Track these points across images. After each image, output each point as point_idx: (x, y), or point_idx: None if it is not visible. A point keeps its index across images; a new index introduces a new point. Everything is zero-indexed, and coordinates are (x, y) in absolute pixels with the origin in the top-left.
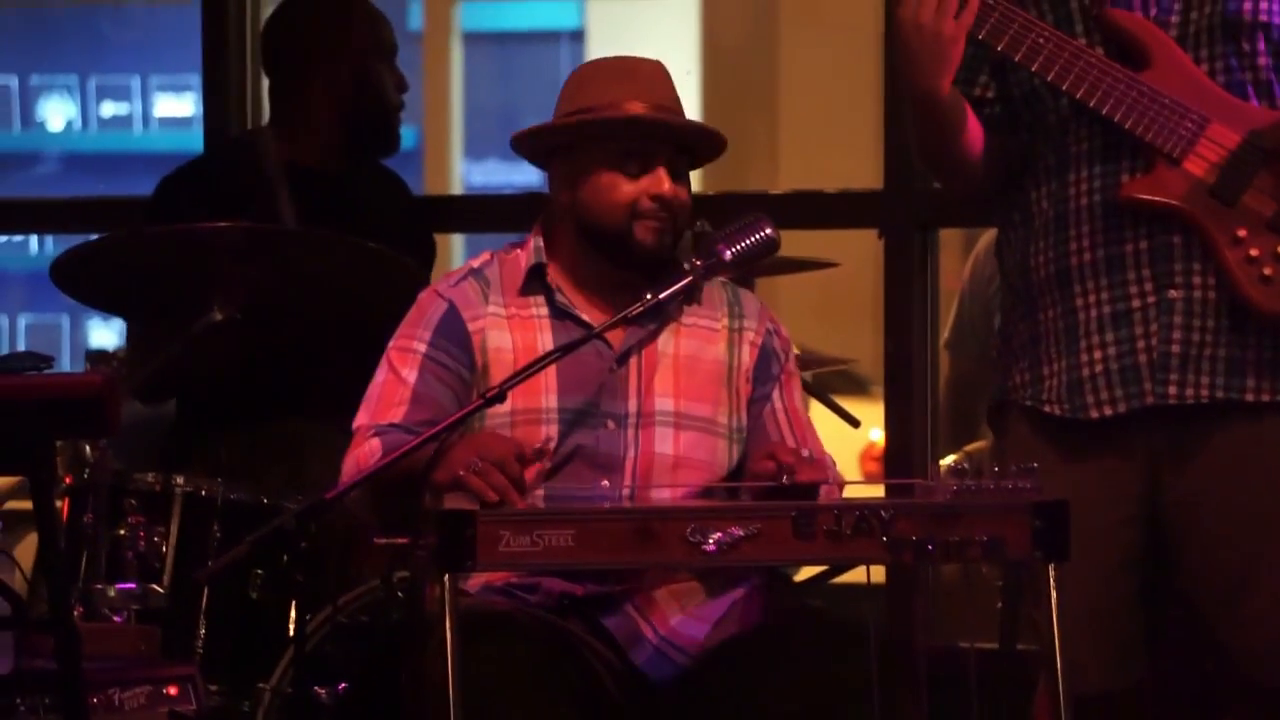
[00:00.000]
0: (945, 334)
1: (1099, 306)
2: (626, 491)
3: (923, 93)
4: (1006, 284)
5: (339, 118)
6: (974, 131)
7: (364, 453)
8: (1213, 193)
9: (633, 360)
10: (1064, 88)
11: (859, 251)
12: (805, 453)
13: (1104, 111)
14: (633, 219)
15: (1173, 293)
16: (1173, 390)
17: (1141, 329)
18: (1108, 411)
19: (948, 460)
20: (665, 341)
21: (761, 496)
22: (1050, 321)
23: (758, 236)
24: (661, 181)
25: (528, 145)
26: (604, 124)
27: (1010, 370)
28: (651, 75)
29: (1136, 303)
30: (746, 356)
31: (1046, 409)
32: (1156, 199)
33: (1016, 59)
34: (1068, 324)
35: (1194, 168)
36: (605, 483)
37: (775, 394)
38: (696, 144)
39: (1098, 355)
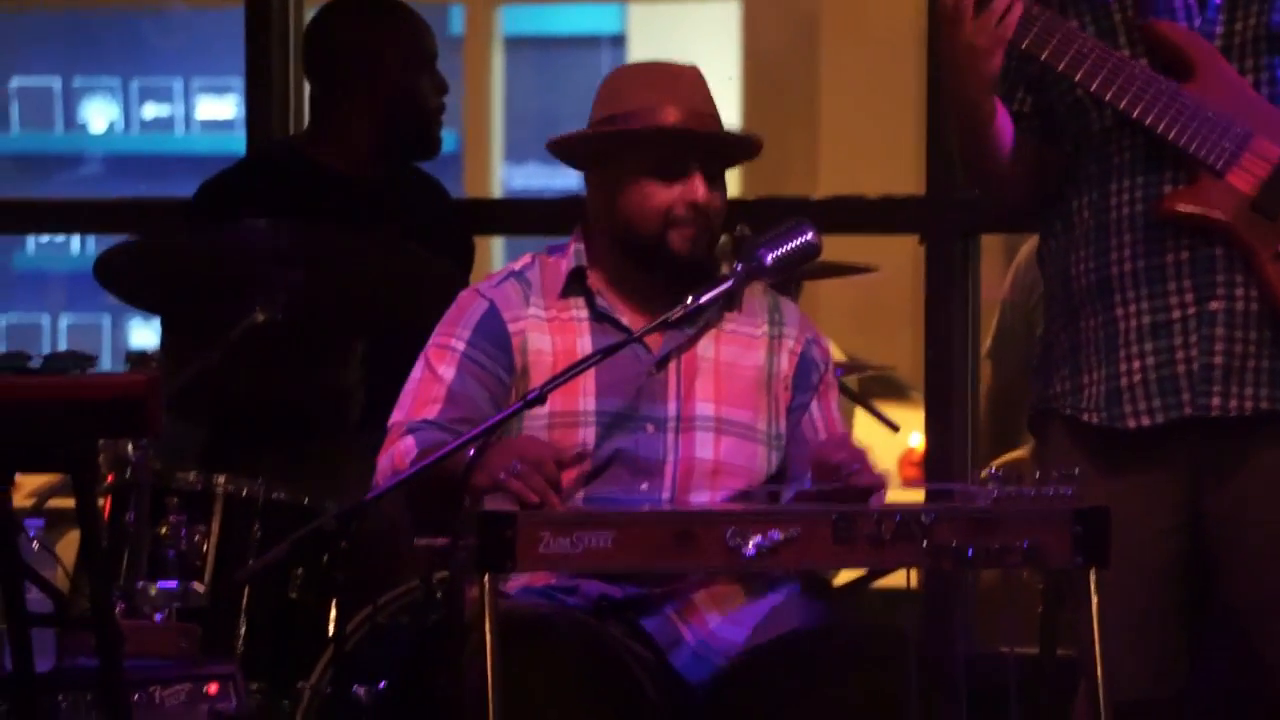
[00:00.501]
0: (986, 343)
1: (1139, 317)
2: (666, 496)
3: (962, 101)
4: (1048, 292)
5: (376, 125)
6: (1012, 140)
7: (398, 451)
8: (1255, 206)
9: (672, 364)
10: (1107, 98)
11: (898, 257)
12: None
13: (1147, 123)
14: (667, 226)
15: (1214, 304)
16: (1215, 402)
17: (1181, 340)
18: (1145, 422)
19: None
20: (705, 346)
21: (808, 500)
22: (1090, 331)
23: (799, 241)
24: (695, 190)
25: (563, 150)
26: (637, 134)
27: (1051, 378)
28: (686, 80)
29: (1176, 314)
30: (786, 364)
31: (1085, 418)
32: (1197, 211)
33: (1060, 69)
34: (1108, 333)
35: (1237, 181)
36: (645, 486)
37: (814, 404)
38: (732, 148)
39: (1136, 365)
